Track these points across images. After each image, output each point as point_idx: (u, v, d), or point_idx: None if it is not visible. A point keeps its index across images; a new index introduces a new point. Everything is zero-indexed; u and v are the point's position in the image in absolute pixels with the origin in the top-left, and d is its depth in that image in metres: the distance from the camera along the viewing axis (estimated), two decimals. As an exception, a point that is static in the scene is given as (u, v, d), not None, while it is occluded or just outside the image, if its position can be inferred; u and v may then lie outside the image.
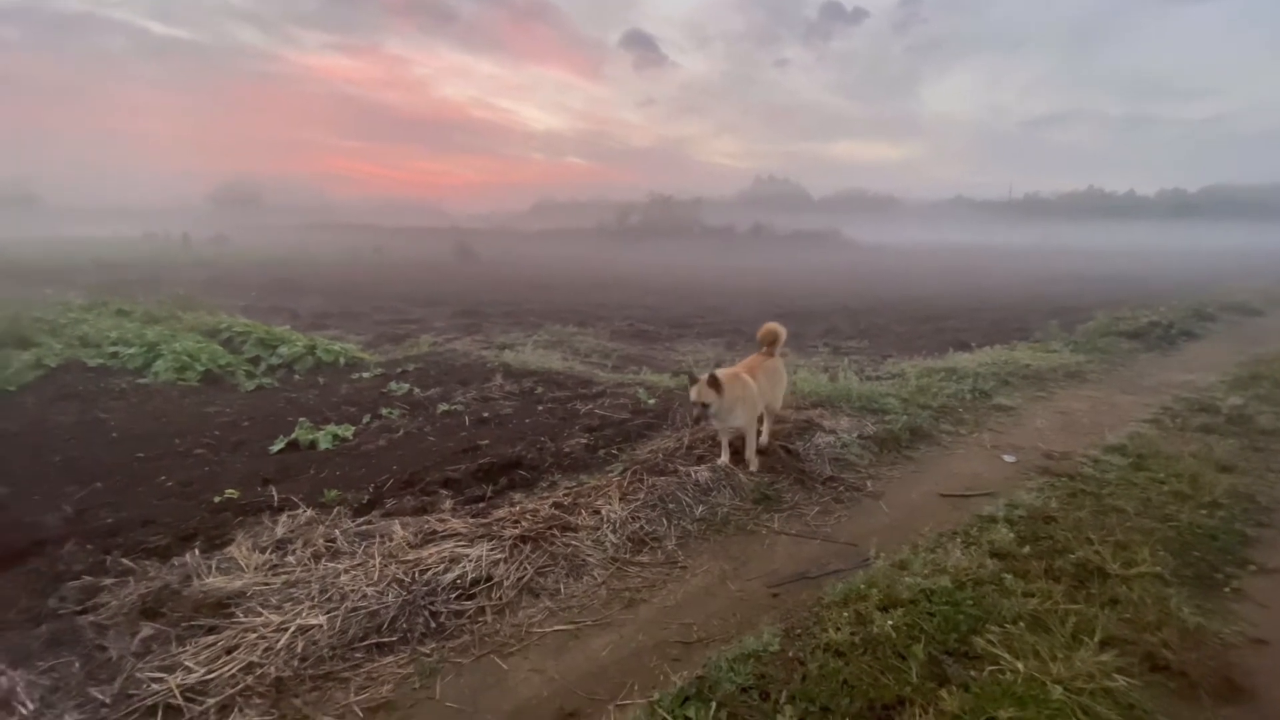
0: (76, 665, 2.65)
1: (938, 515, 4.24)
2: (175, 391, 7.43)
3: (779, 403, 5.21)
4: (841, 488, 4.62)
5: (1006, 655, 2.73)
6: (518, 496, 4.39)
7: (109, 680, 2.58)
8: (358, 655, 2.78)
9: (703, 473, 4.41)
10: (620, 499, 4.08)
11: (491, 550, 3.46)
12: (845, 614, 3.03)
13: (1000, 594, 3.20)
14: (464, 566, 3.29)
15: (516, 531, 3.64)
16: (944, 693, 2.55)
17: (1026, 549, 3.66)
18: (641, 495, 4.16)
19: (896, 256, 49.06)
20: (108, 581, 3.31)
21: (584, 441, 5.34)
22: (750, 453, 4.72)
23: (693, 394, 4.38)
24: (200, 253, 37.74)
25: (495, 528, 3.72)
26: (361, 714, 2.51)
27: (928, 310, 16.42)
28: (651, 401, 6.53)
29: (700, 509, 4.14)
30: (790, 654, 2.77)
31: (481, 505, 4.21)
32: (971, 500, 4.47)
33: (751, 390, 4.60)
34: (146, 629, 2.84)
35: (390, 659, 2.77)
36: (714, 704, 2.46)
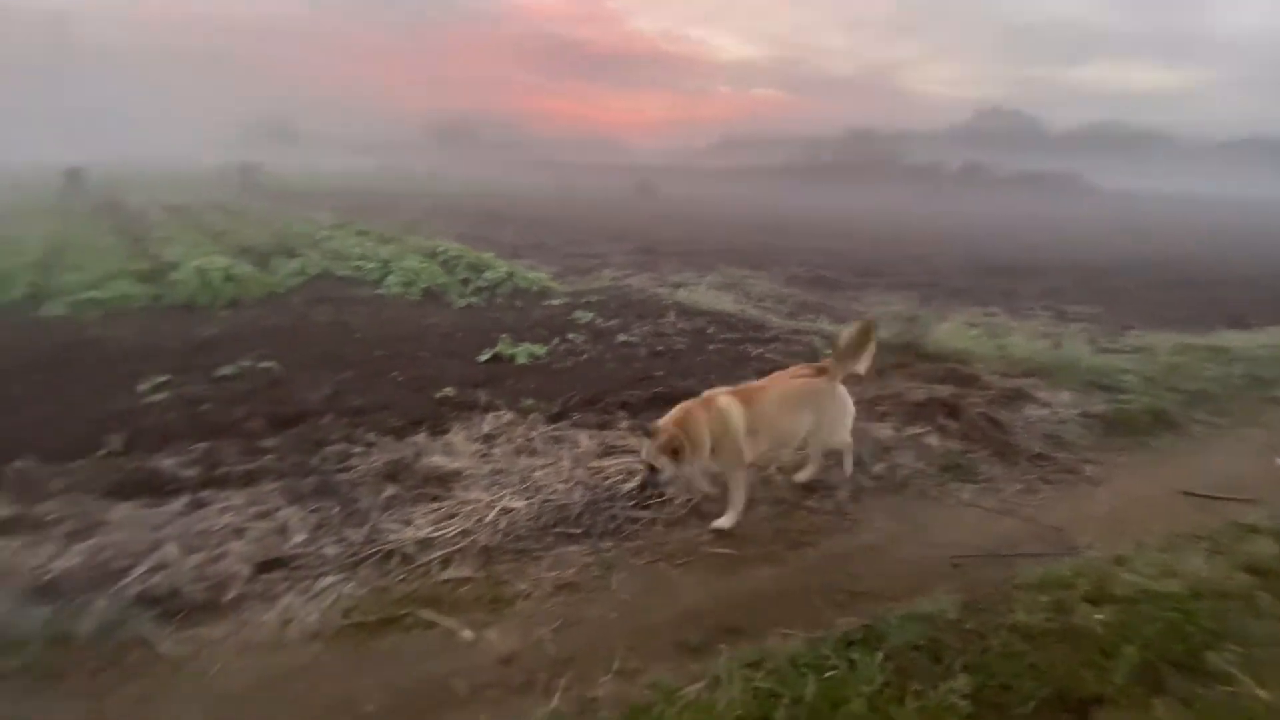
0: (336, 510, 3.32)
1: (1174, 514, 3.61)
2: (403, 303, 8.67)
3: (835, 437, 3.66)
4: (1051, 467, 4.12)
5: (1248, 679, 2.31)
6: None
7: (359, 525, 3.20)
8: (549, 539, 3.14)
9: (884, 430, 4.17)
10: (792, 443, 4.03)
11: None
12: (1042, 599, 2.75)
13: (1249, 613, 2.69)
14: (641, 480, 3.52)
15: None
16: (1157, 702, 2.25)
17: (1297, 569, 2.99)
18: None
19: (1155, 207, 40.67)
20: (356, 449, 4.06)
21: (756, 383, 5.32)
22: (732, 511, 3.33)
23: (643, 450, 3.23)
24: (420, 184, 42.78)
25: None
26: (550, 588, 2.86)
27: (1190, 275, 13.53)
28: (829, 352, 6.25)
29: (878, 466, 3.96)
30: (969, 626, 2.60)
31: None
32: (1225, 504, 3.73)
33: (731, 428, 3.25)
34: (389, 490, 3.47)
35: (575, 548, 3.09)
36: (880, 654, 2.40)
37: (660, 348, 6.55)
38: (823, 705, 2.18)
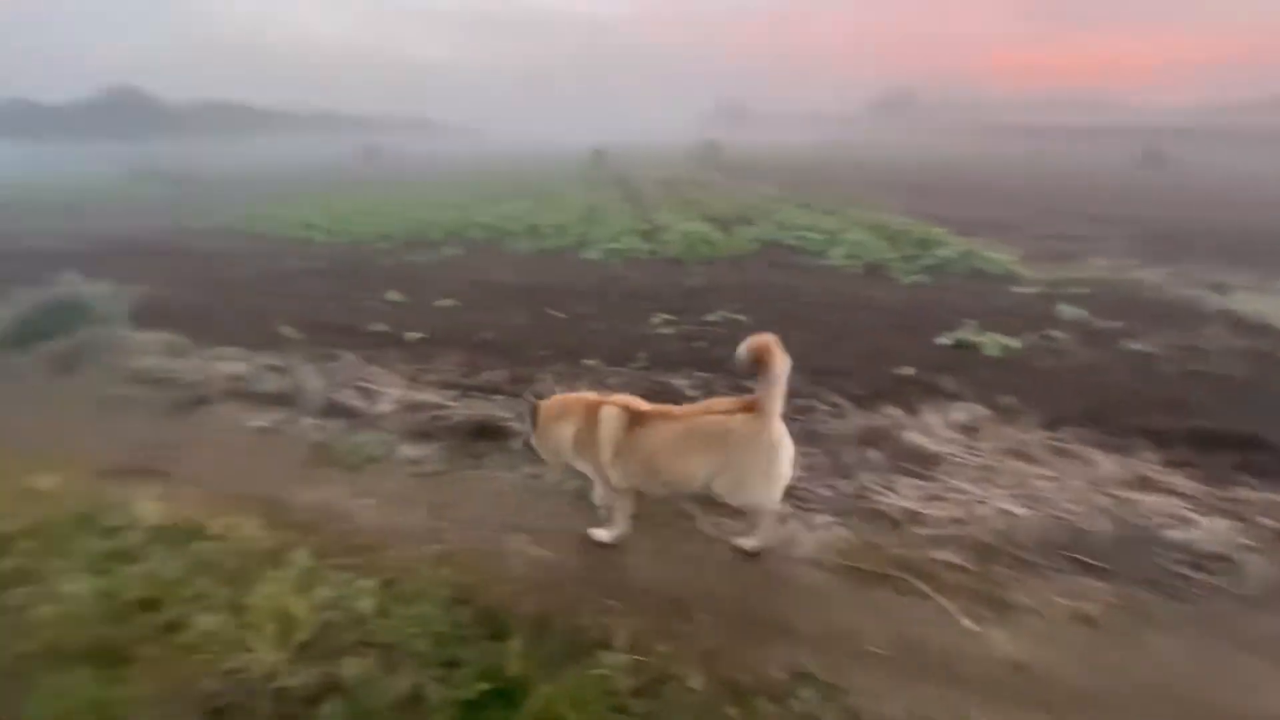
0: (823, 458, 3.57)
1: None
2: (845, 274, 8.75)
3: (746, 494, 2.73)
4: None
5: None
6: (1254, 483, 3.33)
7: (845, 478, 3.37)
8: (1058, 560, 2.72)
9: None
10: None
11: (1234, 531, 2.75)
12: None
13: None
14: (1194, 533, 2.74)
15: (1277, 525, 2.77)
16: None
17: None
18: None
19: None
20: (822, 407, 4.28)
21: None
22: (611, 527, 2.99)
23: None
24: (861, 154, 42.19)
25: (1239, 508, 2.92)
26: (1064, 615, 2.49)
27: None
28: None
29: None
30: None
31: (1197, 472, 3.39)
32: None
33: (597, 437, 2.83)
34: (869, 453, 3.55)
35: (1096, 582, 2.59)
36: None
37: (1199, 368, 4.98)
38: None
